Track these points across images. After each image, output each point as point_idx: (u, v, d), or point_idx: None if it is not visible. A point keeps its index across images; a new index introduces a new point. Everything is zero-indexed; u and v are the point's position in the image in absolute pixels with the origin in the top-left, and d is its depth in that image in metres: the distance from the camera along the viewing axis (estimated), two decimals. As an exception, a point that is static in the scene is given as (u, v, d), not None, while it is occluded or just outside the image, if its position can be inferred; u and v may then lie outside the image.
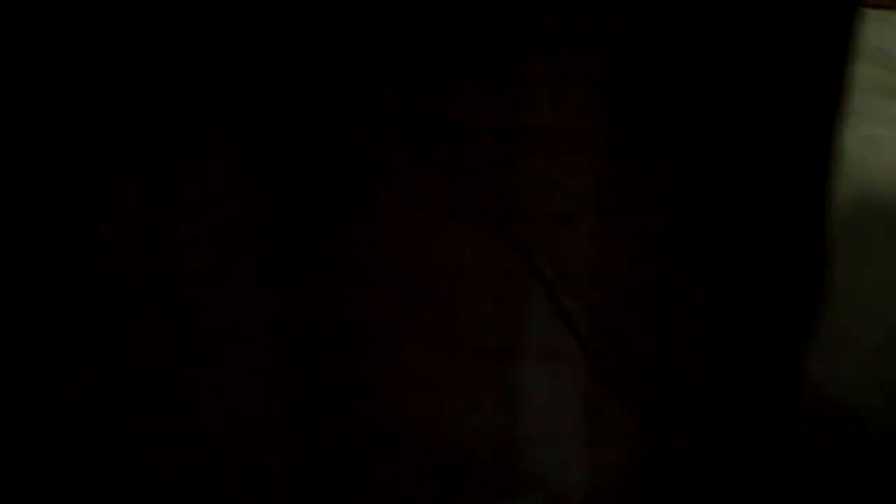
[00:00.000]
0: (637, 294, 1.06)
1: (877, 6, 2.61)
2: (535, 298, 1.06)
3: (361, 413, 1.11)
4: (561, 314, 1.05)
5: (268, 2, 0.98)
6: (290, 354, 1.09)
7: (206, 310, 1.11)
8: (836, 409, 1.84)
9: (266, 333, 1.10)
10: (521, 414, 1.11)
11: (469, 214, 1.02)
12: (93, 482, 1.21)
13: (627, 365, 1.08)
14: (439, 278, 1.06)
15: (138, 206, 1.07)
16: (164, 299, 1.11)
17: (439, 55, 0.98)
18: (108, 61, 1.02)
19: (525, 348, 1.08)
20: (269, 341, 1.10)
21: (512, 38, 0.98)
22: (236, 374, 1.12)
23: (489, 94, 0.99)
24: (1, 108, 1.05)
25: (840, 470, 1.77)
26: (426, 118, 0.99)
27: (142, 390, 1.16)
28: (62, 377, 1.16)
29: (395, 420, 1.11)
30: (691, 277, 1.06)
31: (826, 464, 1.76)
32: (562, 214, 1.03)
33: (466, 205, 1.02)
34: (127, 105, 1.03)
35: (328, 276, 1.05)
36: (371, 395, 1.11)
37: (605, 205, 1.03)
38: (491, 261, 1.04)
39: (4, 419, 1.18)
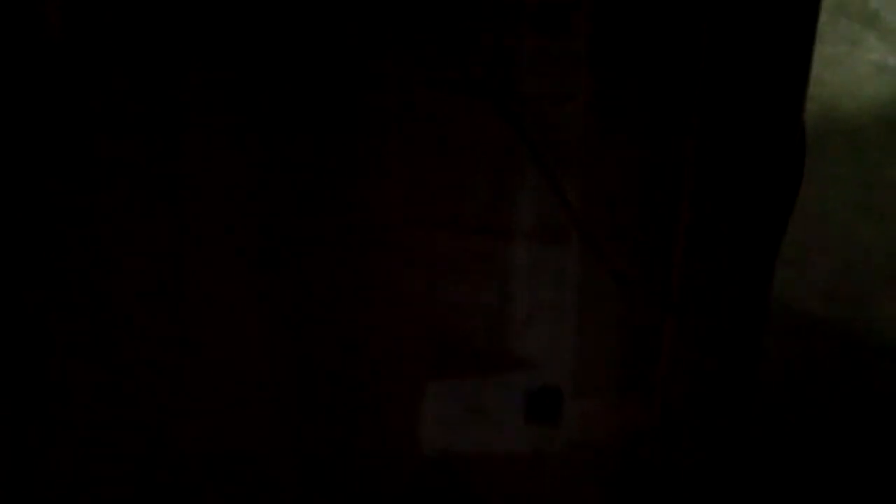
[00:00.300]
0: (629, 171, 1.08)
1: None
2: (530, 175, 1.07)
3: (359, 288, 1.12)
4: (554, 190, 1.07)
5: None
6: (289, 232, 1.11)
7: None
8: (800, 321, 1.88)
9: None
10: (513, 293, 1.12)
11: (465, 91, 1.03)
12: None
13: (619, 242, 1.10)
14: (436, 156, 1.07)
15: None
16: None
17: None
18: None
19: (519, 226, 1.09)
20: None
21: None
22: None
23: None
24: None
25: (803, 377, 1.81)
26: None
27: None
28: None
29: (391, 295, 1.13)
30: (681, 156, 1.07)
31: (789, 372, 1.81)
32: (556, 90, 1.04)
33: (462, 81, 1.03)
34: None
35: (325, 158, 1.06)
36: (370, 272, 1.12)
37: (599, 81, 1.05)
38: (486, 137, 1.06)
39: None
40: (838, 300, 1.92)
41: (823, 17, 2.12)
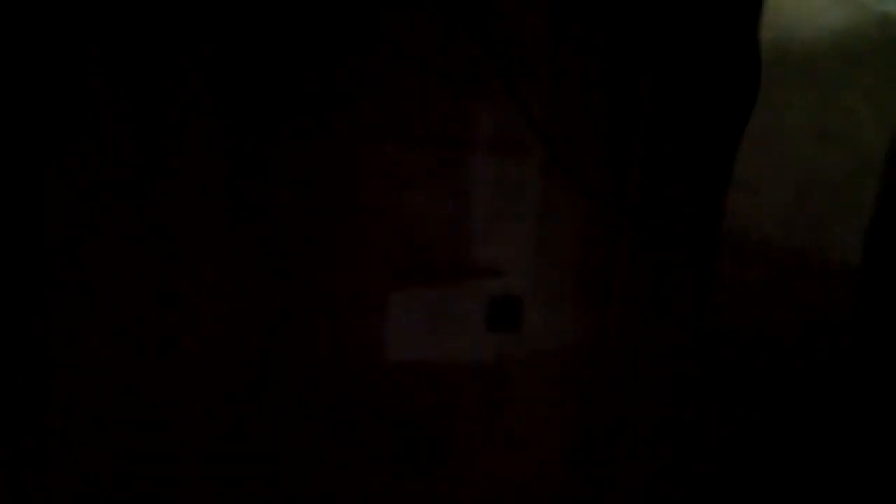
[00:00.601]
0: (589, 84, 1.11)
1: None
2: (492, 89, 1.10)
3: (326, 200, 1.14)
4: (517, 102, 1.09)
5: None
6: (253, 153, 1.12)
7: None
8: (757, 245, 1.91)
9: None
10: (475, 203, 1.15)
11: (430, 7, 1.05)
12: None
13: (579, 154, 1.13)
14: (398, 69, 1.09)
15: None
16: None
17: None
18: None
19: (480, 138, 1.12)
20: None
21: None
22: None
23: None
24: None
25: (759, 300, 1.85)
26: None
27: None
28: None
29: (357, 207, 1.15)
30: (639, 71, 1.10)
31: (746, 295, 1.84)
32: (520, 7, 1.07)
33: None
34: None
35: (289, 79, 1.08)
36: (337, 185, 1.14)
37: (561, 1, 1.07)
38: (449, 50, 1.08)
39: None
40: (794, 225, 1.95)
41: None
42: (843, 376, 1.68)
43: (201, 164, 1.13)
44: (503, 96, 1.09)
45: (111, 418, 1.16)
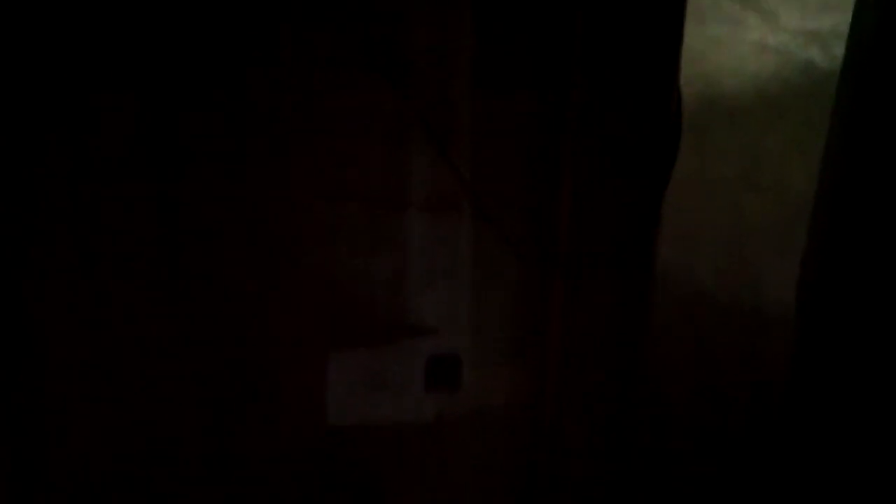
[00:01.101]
0: (515, 139, 1.11)
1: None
2: (421, 146, 1.10)
3: (256, 261, 1.14)
4: (444, 159, 1.09)
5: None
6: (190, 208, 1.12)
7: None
8: (690, 293, 1.93)
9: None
10: (408, 261, 1.15)
11: (358, 65, 1.06)
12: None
13: (508, 208, 1.14)
14: (329, 128, 1.09)
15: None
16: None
17: None
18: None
19: (411, 196, 1.12)
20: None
21: None
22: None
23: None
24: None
25: (692, 348, 1.86)
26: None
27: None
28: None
29: (289, 267, 1.14)
30: (563, 124, 1.11)
31: (679, 343, 1.86)
32: (446, 64, 1.08)
33: (355, 56, 1.05)
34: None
35: (224, 133, 1.08)
36: (267, 245, 1.14)
37: (485, 55, 1.08)
38: (379, 110, 1.08)
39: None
40: (728, 274, 1.97)
41: (705, -1, 2.16)
42: (784, 424, 1.69)
43: (132, 222, 1.12)
44: (432, 153, 1.09)
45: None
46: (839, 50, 2.39)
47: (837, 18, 2.48)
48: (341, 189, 1.11)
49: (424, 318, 1.17)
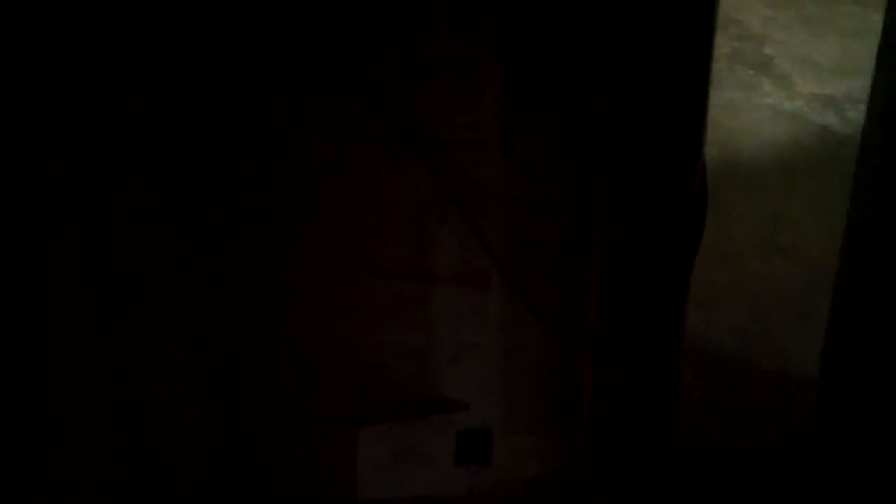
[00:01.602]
0: (545, 213, 1.12)
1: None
2: (450, 220, 1.10)
3: (284, 334, 1.15)
4: (474, 234, 1.10)
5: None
6: (217, 277, 1.13)
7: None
8: (713, 358, 1.93)
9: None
10: (438, 335, 1.15)
11: (385, 141, 1.07)
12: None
13: (538, 282, 1.14)
14: (358, 203, 1.10)
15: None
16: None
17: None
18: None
19: (442, 269, 1.13)
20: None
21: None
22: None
23: (396, 23, 1.04)
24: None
25: (718, 413, 1.86)
26: (346, 49, 1.04)
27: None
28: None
29: (318, 340, 1.15)
30: (593, 200, 1.12)
31: (705, 408, 1.85)
32: (472, 139, 1.08)
33: (383, 131, 1.06)
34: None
35: (257, 200, 1.09)
36: (295, 318, 1.14)
37: (510, 130, 1.09)
38: (408, 185, 1.09)
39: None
40: (750, 336, 1.97)
41: (720, 65, 2.20)
42: (810, 489, 1.68)
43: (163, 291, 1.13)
44: (461, 227, 1.10)
45: None
46: (854, 115, 2.40)
47: (852, 84, 2.50)
48: (370, 261, 1.12)
49: (454, 391, 1.17)
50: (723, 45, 2.45)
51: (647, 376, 1.20)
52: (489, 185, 1.10)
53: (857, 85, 2.48)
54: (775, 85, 2.52)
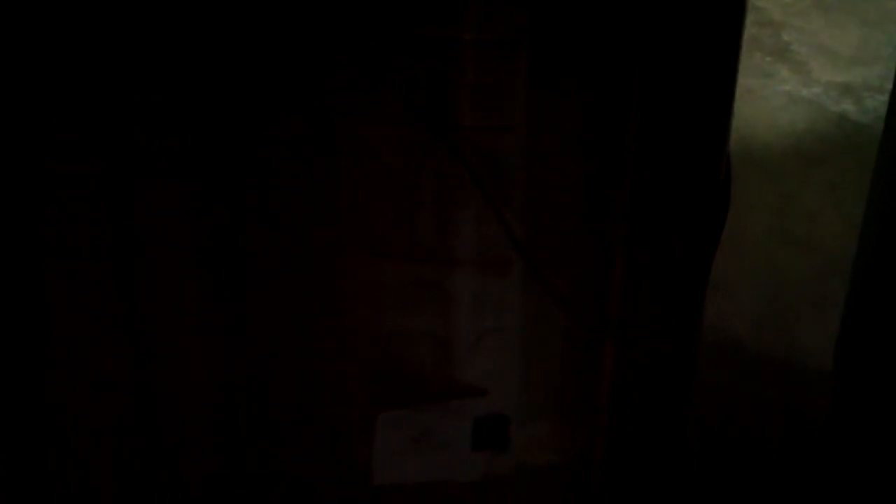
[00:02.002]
0: (568, 201, 1.11)
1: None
2: (473, 205, 1.10)
3: (305, 317, 1.14)
4: (497, 219, 1.09)
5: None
6: (239, 262, 1.13)
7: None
8: (729, 346, 1.92)
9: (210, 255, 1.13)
10: (458, 320, 1.15)
11: (410, 124, 1.06)
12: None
13: (560, 269, 1.13)
14: (381, 187, 1.09)
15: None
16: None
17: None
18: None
19: (463, 255, 1.12)
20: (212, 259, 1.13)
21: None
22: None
23: (425, 6, 1.03)
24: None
25: (734, 401, 1.85)
26: (373, 32, 1.03)
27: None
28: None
29: (338, 324, 1.14)
30: (617, 186, 1.11)
31: (721, 395, 1.84)
32: (496, 122, 1.08)
33: (407, 115, 1.06)
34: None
35: (280, 183, 1.08)
36: (316, 301, 1.14)
37: (535, 114, 1.08)
38: (430, 168, 1.08)
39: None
40: (764, 325, 1.96)
41: (737, 51, 2.16)
42: (824, 479, 1.68)
43: (178, 281, 1.13)
44: (483, 212, 1.09)
45: None
46: (871, 102, 2.39)
47: (869, 71, 2.49)
48: (392, 246, 1.12)
49: (473, 377, 1.17)
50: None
51: (667, 364, 1.20)
52: (513, 170, 1.09)
53: (875, 73, 2.47)
54: (792, 72, 2.51)
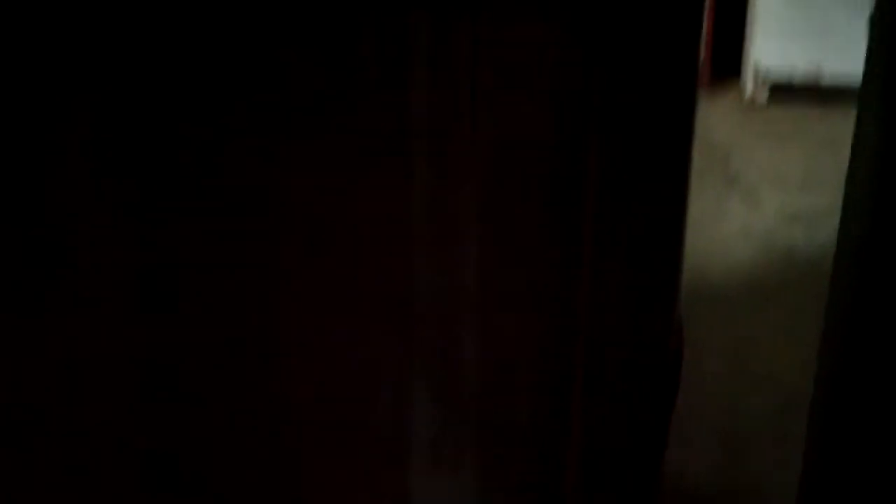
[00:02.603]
0: (522, 398, 1.10)
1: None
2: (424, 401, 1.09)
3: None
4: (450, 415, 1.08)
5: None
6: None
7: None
8: (690, 495, 1.90)
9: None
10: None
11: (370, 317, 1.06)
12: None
13: (514, 464, 1.12)
14: (345, 376, 1.09)
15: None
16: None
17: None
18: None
19: (416, 451, 1.11)
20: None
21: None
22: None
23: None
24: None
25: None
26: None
27: None
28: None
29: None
30: (576, 361, 1.10)
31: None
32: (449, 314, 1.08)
33: (368, 307, 1.06)
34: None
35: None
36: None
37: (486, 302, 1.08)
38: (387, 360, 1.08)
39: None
40: (725, 471, 1.95)
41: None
42: None
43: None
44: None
45: None
46: (820, 232, 2.41)
47: (817, 197, 2.52)
48: (346, 439, 1.10)
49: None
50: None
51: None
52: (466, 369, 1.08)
53: (823, 198, 2.50)
54: (742, 202, 2.53)
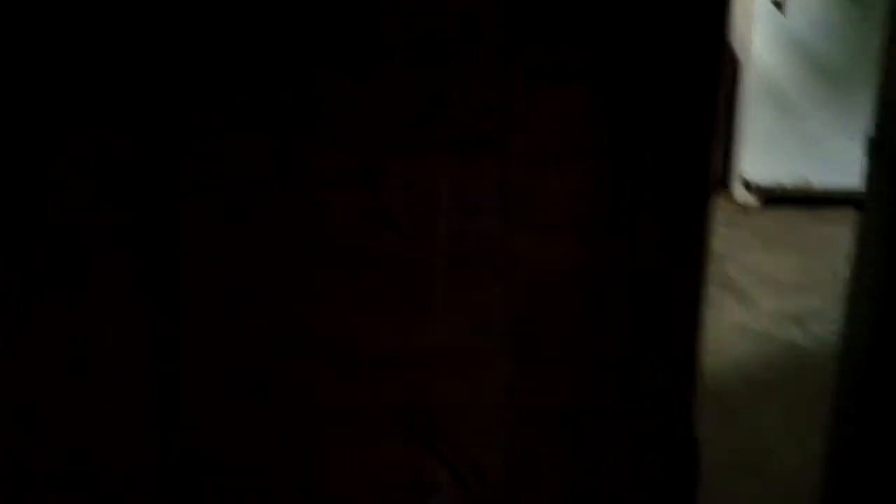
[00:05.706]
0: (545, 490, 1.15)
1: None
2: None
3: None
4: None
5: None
6: None
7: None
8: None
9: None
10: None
11: (396, 428, 1.11)
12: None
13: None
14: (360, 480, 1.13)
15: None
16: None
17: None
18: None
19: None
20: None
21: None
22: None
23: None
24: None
25: None
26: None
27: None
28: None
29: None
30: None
31: None
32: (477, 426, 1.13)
33: (393, 419, 1.10)
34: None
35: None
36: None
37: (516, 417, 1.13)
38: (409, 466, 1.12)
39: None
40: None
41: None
42: None
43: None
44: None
45: None
46: (817, 329, 2.46)
47: (812, 300, 2.58)
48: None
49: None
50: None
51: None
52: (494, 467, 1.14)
53: (817, 302, 2.56)
54: (738, 302, 2.59)
